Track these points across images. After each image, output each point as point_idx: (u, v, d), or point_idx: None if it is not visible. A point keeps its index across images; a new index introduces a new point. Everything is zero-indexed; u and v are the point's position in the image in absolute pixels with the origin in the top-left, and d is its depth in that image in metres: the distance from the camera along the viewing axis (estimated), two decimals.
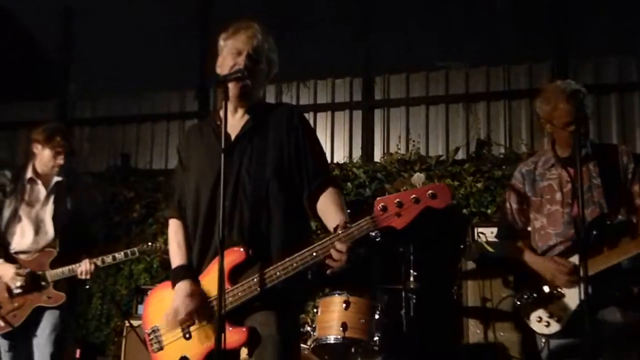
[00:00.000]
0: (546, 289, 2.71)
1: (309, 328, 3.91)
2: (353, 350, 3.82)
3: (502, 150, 5.75)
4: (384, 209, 1.95)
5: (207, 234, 2.20)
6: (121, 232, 6.12)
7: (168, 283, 2.33)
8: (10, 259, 3.37)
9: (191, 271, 2.24)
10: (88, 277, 3.39)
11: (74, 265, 3.37)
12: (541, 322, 2.69)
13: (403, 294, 4.17)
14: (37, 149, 3.48)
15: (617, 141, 5.67)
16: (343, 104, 6.48)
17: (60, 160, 3.44)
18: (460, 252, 4.67)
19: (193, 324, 2.21)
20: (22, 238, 3.42)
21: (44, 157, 3.46)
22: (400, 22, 6.36)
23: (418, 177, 2.10)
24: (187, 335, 2.23)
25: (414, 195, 1.96)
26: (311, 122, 6.49)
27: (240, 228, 2.14)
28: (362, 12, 6.47)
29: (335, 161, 6.14)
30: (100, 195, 6.19)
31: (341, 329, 3.71)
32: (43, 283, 3.36)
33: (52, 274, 3.38)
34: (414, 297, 4.15)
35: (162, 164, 6.84)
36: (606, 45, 5.86)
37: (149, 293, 2.40)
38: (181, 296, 2.17)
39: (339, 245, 1.98)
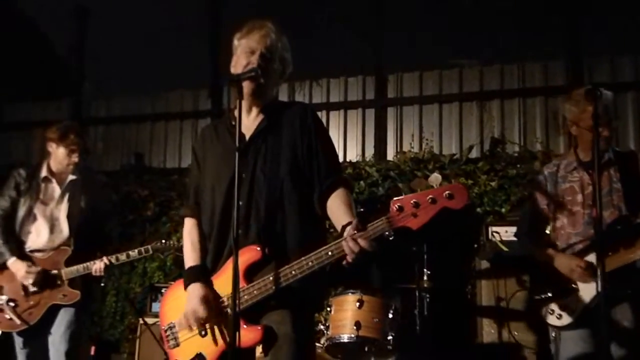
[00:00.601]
0: (562, 283, 2.81)
1: (322, 327, 3.91)
2: (366, 349, 3.81)
3: (517, 149, 5.70)
4: (400, 209, 1.95)
5: (223, 233, 2.21)
6: (135, 231, 6.16)
7: (178, 283, 2.35)
8: (24, 257, 3.40)
9: (204, 272, 2.25)
10: (102, 274, 3.41)
11: (88, 263, 3.40)
12: (553, 315, 2.82)
13: (417, 293, 4.15)
14: (52, 147, 3.50)
15: (633, 139, 5.61)
16: (356, 102, 6.47)
17: (75, 158, 3.47)
18: (474, 251, 4.64)
19: (208, 322, 2.22)
20: (37, 237, 3.45)
21: (58, 156, 3.49)
22: (413, 20, 6.34)
23: (435, 178, 2.09)
24: (203, 333, 2.24)
25: (430, 196, 1.94)
26: (324, 120, 6.47)
27: (257, 227, 2.15)
28: (374, 10, 6.44)
29: (348, 159, 6.13)
30: (115, 193, 6.23)
31: (355, 327, 3.70)
32: (58, 282, 3.39)
33: (67, 272, 3.40)
34: (428, 296, 4.13)
35: (176, 163, 6.88)
36: (622, 43, 5.80)
37: (164, 290, 2.41)
38: (194, 300, 2.18)
39: (361, 242, 1.96)
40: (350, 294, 3.85)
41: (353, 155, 6.23)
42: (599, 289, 2.42)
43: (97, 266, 3.38)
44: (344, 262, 2.04)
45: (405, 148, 6.06)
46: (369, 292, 3.84)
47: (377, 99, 6.36)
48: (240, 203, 2.08)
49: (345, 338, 3.73)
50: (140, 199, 6.36)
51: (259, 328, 2.13)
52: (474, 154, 5.80)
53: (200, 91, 6.93)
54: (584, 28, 5.84)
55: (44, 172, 3.51)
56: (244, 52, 2.24)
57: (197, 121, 6.92)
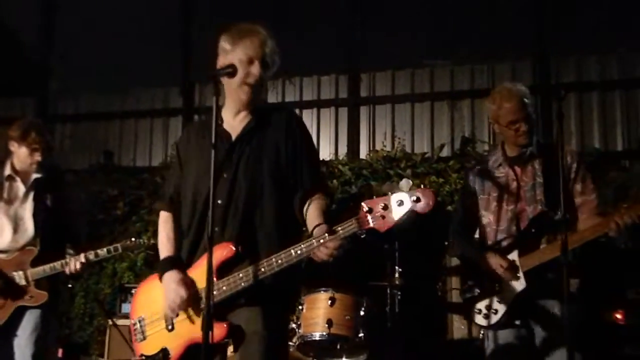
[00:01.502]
0: (487, 282, 2.81)
1: (294, 325, 3.90)
2: (338, 346, 3.82)
3: (487, 148, 5.78)
4: (370, 210, 2.01)
5: (200, 231, 2.23)
6: (105, 230, 6.06)
7: (155, 276, 2.34)
8: None
9: (179, 262, 2.27)
10: (79, 272, 3.33)
11: (55, 264, 3.32)
12: (480, 314, 2.82)
13: (388, 291, 4.19)
14: (14, 146, 3.40)
15: (598, 139, 5.75)
16: (329, 100, 6.48)
17: (37, 157, 3.38)
18: (445, 248, 4.69)
19: (177, 315, 2.24)
20: (0, 237, 3.36)
21: (20, 155, 3.39)
22: (386, 19, 6.37)
23: (406, 183, 2.16)
24: (170, 327, 2.26)
25: (398, 199, 2.00)
26: None
27: (233, 226, 2.17)
28: (348, 9, 6.47)
29: (321, 158, 6.14)
30: (83, 193, 6.12)
31: (326, 325, 3.71)
32: (24, 283, 3.31)
33: (33, 273, 3.31)
34: (399, 293, 4.17)
35: (146, 161, 6.80)
36: (588, 44, 5.92)
37: (134, 291, 2.41)
38: (172, 285, 2.19)
39: (330, 243, 2.03)
40: (322, 291, 3.86)
41: (326, 153, 6.24)
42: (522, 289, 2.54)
43: (73, 265, 3.30)
44: (315, 258, 2.08)
45: (378, 147, 6.10)
46: (341, 289, 3.85)
47: (350, 97, 6.39)
48: (220, 202, 2.13)
49: (317, 336, 3.74)
50: (109, 198, 6.27)
51: (225, 325, 2.14)
52: (445, 152, 5.88)
53: (171, 89, 6.86)
54: (551, 29, 5.96)
55: (7, 171, 3.42)
56: (239, 60, 2.21)
57: (168, 119, 6.85)
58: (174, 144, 2.55)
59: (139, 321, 2.35)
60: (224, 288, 2.14)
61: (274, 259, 2.10)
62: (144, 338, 2.33)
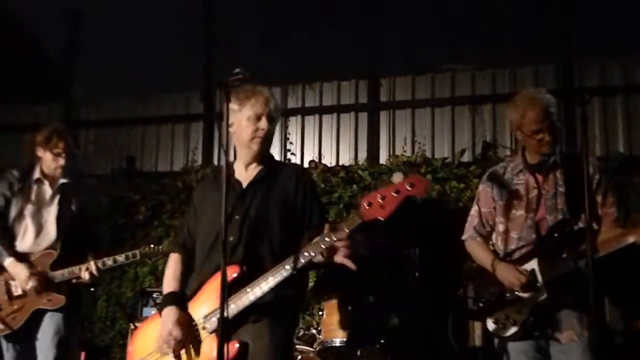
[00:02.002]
0: (504, 292, 2.76)
1: (314, 331, 3.90)
2: (359, 353, 3.81)
3: (508, 153, 5.72)
4: (370, 204, 2.16)
5: (210, 263, 2.38)
6: (126, 235, 6.11)
7: (151, 319, 2.53)
8: (20, 257, 3.35)
9: (180, 299, 2.41)
10: (89, 282, 3.37)
11: (74, 268, 3.35)
12: (497, 324, 2.75)
13: (409, 297, 4.16)
14: (40, 152, 3.49)
15: (622, 143, 5.65)
16: (349, 106, 6.47)
17: (61, 162, 3.44)
18: (467, 254, 4.65)
19: (180, 347, 2.32)
20: (22, 239, 3.40)
21: (46, 160, 3.47)
22: (406, 24, 6.36)
23: (397, 176, 2.26)
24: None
25: (394, 189, 2.16)
26: (317, 124, 6.50)
27: (242, 255, 2.33)
28: (367, 14, 6.46)
29: (340, 163, 6.13)
30: (106, 197, 6.18)
31: (346, 331, 3.70)
32: (51, 283, 3.35)
33: (55, 276, 3.35)
34: (420, 299, 4.13)
35: (168, 166, 6.85)
36: (612, 48, 5.84)
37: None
38: (168, 323, 2.32)
39: (337, 234, 2.18)
40: (342, 298, 3.85)
41: (346, 159, 6.23)
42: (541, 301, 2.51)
43: (83, 275, 3.33)
44: (338, 259, 2.21)
45: (398, 152, 6.07)
46: (361, 296, 3.84)
47: (370, 102, 6.37)
48: (231, 239, 2.32)
49: (337, 342, 3.73)
50: (131, 203, 6.32)
51: (235, 343, 2.23)
52: (466, 157, 5.82)
53: (192, 94, 6.91)
54: (574, 32, 5.89)
55: (36, 174, 3.49)
56: (248, 118, 2.44)
57: (189, 125, 6.91)
58: (193, 191, 2.86)
59: None
60: (232, 306, 2.24)
61: (282, 265, 2.23)
62: None
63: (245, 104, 2.45)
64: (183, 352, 2.33)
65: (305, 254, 2.21)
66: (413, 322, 4.10)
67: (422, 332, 4.09)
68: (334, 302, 3.87)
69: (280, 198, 2.44)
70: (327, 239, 2.18)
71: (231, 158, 2.57)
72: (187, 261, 2.52)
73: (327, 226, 2.22)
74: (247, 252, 2.33)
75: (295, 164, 2.98)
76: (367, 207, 2.15)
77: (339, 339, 3.72)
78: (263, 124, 2.44)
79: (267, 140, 2.49)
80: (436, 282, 4.36)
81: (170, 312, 2.34)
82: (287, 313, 2.40)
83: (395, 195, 2.15)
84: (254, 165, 2.53)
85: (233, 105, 2.45)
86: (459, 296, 4.74)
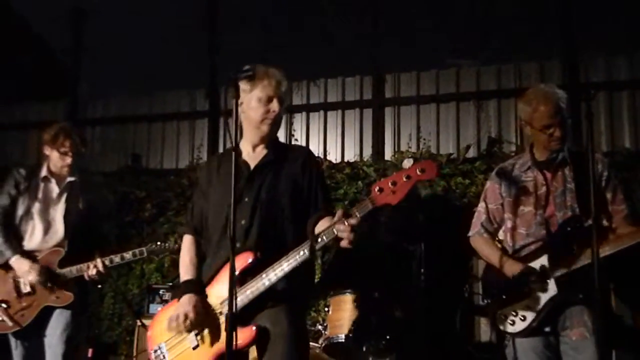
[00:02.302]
0: (512, 288, 2.75)
1: (320, 327, 3.91)
2: (364, 349, 3.81)
3: (513, 148, 5.70)
4: (381, 190, 2.18)
5: (222, 248, 2.38)
6: (133, 232, 6.15)
7: (169, 305, 2.50)
8: (26, 255, 3.39)
9: (198, 286, 2.42)
10: (95, 279, 3.39)
11: (82, 265, 3.38)
12: (507, 320, 2.75)
13: (414, 293, 4.16)
14: (47, 150, 3.52)
15: (629, 138, 5.63)
16: (353, 102, 6.46)
17: (68, 160, 3.47)
18: (472, 250, 4.65)
19: (199, 332, 2.34)
20: (31, 237, 3.44)
21: (53, 158, 3.50)
22: (410, 19, 6.34)
23: (408, 162, 2.28)
24: (195, 345, 2.35)
25: (405, 174, 2.18)
26: (322, 120, 6.50)
27: (255, 241, 2.34)
28: (372, 10, 6.45)
29: (346, 160, 6.13)
30: (112, 195, 6.21)
31: (352, 327, 3.70)
32: (57, 278, 3.37)
33: (62, 273, 3.38)
34: (426, 295, 4.14)
35: (173, 164, 6.87)
36: (618, 42, 5.81)
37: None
38: (186, 305, 2.34)
39: (351, 220, 2.18)
40: (348, 293, 3.86)
41: (351, 155, 6.23)
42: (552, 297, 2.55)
43: (91, 272, 3.36)
44: (342, 244, 2.22)
45: (403, 148, 6.06)
46: (367, 292, 3.84)
47: (374, 98, 6.36)
48: (243, 222, 2.35)
49: (342, 338, 3.74)
50: (137, 200, 6.35)
51: (253, 328, 2.25)
52: (471, 153, 5.81)
53: (197, 92, 6.92)
54: (580, 27, 5.85)
55: (44, 172, 3.53)
56: (259, 99, 2.43)
57: (195, 122, 6.91)
58: (198, 167, 2.78)
59: (159, 348, 2.45)
60: (248, 292, 2.26)
61: (295, 252, 2.24)
62: None
63: (257, 84, 2.43)
64: (201, 338, 2.34)
65: (319, 239, 2.22)
66: (418, 318, 4.11)
67: (428, 327, 4.10)
68: (339, 298, 3.87)
69: (289, 181, 2.45)
70: (341, 225, 2.18)
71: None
72: (200, 243, 2.54)
73: (340, 212, 2.22)
74: (260, 236, 2.35)
75: (301, 147, 3.02)
76: (378, 193, 2.17)
77: (344, 334, 3.73)
78: (274, 106, 2.44)
79: (277, 123, 2.49)
80: (441, 278, 4.37)
81: (189, 299, 2.36)
82: (302, 298, 2.42)
83: (406, 180, 2.16)
84: (261, 147, 2.53)
85: (244, 86, 2.42)
86: (465, 292, 4.76)
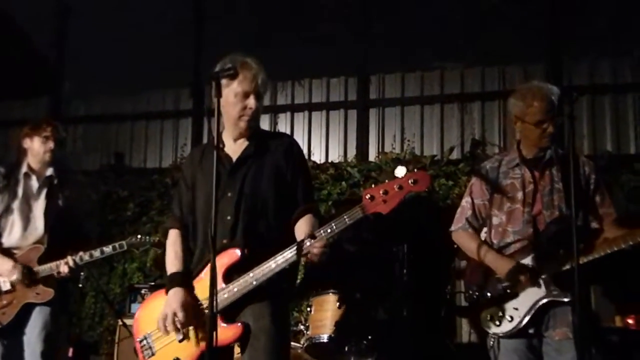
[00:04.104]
0: (499, 287, 2.73)
1: (302, 327, 3.90)
2: (346, 349, 3.81)
3: (497, 150, 5.74)
4: (372, 198, 2.17)
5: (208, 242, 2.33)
6: (115, 231, 6.09)
7: (157, 293, 2.49)
8: (5, 253, 3.36)
9: (185, 278, 2.41)
10: (68, 276, 3.35)
11: (57, 262, 3.35)
12: (492, 321, 2.72)
13: (396, 294, 4.17)
14: (27, 143, 3.49)
15: (610, 142, 5.70)
16: (338, 103, 6.47)
17: (50, 144, 3.44)
18: (454, 251, 4.67)
19: (186, 327, 2.33)
20: (9, 233, 3.41)
21: (34, 148, 3.47)
22: (395, 21, 6.36)
23: (400, 170, 2.27)
24: (180, 338, 2.35)
25: (397, 184, 2.16)
26: (306, 121, 6.50)
27: (241, 237, 2.34)
28: (357, 11, 6.46)
29: (330, 160, 6.13)
30: (94, 193, 6.16)
31: (335, 327, 3.70)
32: (36, 277, 3.34)
33: (40, 270, 3.35)
34: (408, 296, 4.15)
35: (157, 163, 6.83)
36: (600, 47, 5.87)
37: (144, 291, 2.45)
38: (174, 304, 2.33)
39: (317, 243, 2.20)
40: (330, 294, 3.86)
41: (335, 155, 6.23)
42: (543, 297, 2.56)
43: (62, 269, 3.32)
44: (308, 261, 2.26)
45: (387, 149, 6.08)
46: (349, 292, 3.84)
47: (359, 99, 6.37)
48: (229, 218, 2.35)
49: (325, 338, 3.73)
50: (119, 199, 6.31)
51: (239, 325, 2.27)
52: (455, 155, 5.84)
53: (181, 91, 6.88)
54: (563, 31, 5.91)
55: (24, 169, 3.50)
56: (236, 94, 2.40)
57: (178, 121, 6.88)
58: (182, 162, 2.74)
59: (146, 338, 2.43)
60: (235, 290, 2.27)
61: (284, 254, 2.25)
62: (153, 354, 2.41)
63: (234, 79, 2.40)
64: (187, 331, 2.34)
65: (291, 253, 2.25)
66: (400, 318, 4.12)
67: (410, 328, 4.11)
68: (322, 298, 3.87)
69: (272, 173, 2.43)
70: (307, 244, 2.20)
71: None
72: (186, 236, 2.51)
73: (307, 232, 2.24)
74: (246, 232, 2.34)
75: (283, 134, 2.91)
76: (369, 201, 2.16)
77: (326, 334, 3.72)
78: (251, 102, 2.41)
79: (255, 118, 2.46)
80: (424, 278, 4.38)
81: (177, 294, 2.34)
82: (285, 294, 2.42)
83: (398, 190, 2.15)
84: (242, 139, 2.51)
85: (223, 80, 2.39)
86: (447, 293, 4.78)
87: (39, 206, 3.46)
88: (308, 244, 2.20)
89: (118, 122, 7.09)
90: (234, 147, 2.49)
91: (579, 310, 2.40)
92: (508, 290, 2.70)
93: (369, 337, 3.75)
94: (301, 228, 2.36)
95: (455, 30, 6.20)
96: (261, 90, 2.43)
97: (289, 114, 6.54)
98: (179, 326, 2.32)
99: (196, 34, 6.74)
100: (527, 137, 2.83)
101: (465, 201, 2.98)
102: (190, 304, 2.33)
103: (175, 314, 2.30)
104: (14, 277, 3.29)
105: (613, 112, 5.77)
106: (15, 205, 3.43)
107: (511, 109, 2.88)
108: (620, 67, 5.87)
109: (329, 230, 2.22)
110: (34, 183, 3.49)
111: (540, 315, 2.67)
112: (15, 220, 3.42)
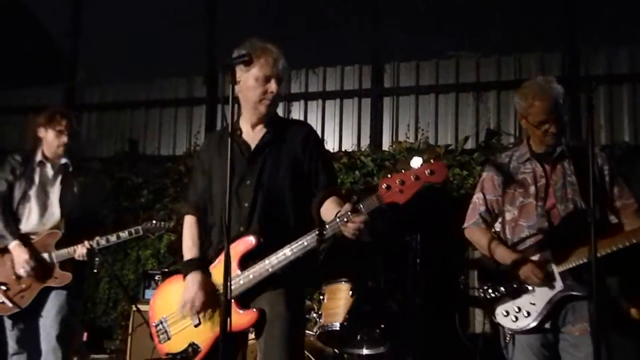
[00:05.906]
0: (515, 283, 2.70)
1: (315, 315, 3.92)
2: (359, 337, 3.82)
3: (512, 140, 5.70)
4: (388, 187, 2.15)
5: (231, 227, 2.32)
6: (129, 218, 6.12)
7: (172, 278, 2.51)
8: (24, 240, 3.40)
9: (202, 263, 2.42)
10: (85, 259, 3.40)
11: (78, 246, 3.40)
12: (508, 317, 2.69)
13: (409, 283, 4.16)
14: (42, 132, 3.53)
15: (628, 131, 5.62)
16: (352, 91, 6.44)
17: (64, 139, 3.48)
18: (468, 241, 4.65)
19: (204, 311, 2.36)
20: (27, 220, 3.47)
21: (48, 139, 3.51)
22: (410, 9, 6.30)
23: (416, 161, 2.26)
24: (197, 322, 2.37)
25: (414, 174, 2.15)
26: (320, 109, 6.48)
27: (258, 224, 2.34)
28: None
29: (343, 149, 6.12)
30: (108, 180, 6.20)
31: (347, 316, 3.71)
32: (49, 265, 3.39)
33: (58, 255, 3.41)
34: (420, 286, 4.14)
35: (170, 150, 6.86)
36: (619, 35, 5.77)
37: (157, 277, 2.47)
38: (192, 288, 2.35)
39: (356, 217, 2.16)
40: (343, 282, 3.86)
41: (348, 144, 6.22)
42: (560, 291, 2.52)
43: (80, 251, 3.38)
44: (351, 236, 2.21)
45: (401, 138, 6.05)
46: (362, 281, 3.85)
47: (373, 88, 6.34)
48: (246, 205, 2.35)
49: (337, 326, 3.74)
50: (133, 186, 6.35)
51: (254, 311, 2.28)
52: (470, 144, 5.80)
53: (195, 78, 6.89)
54: (581, 20, 5.82)
55: (39, 157, 3.55)
56: (256, 79, 2.37)
57: (192, 108, 6.89)
58: (196, 152, 2.71)
59: (161, 322, 2.46)
60: (251, 276, 2.28)
61: (300, 241, 2.25)
62: (169, 338, 2.43)
63: (254, 63, 2.35)
64: (204, 316, 2.36)
65: (324, 232, 2.22)
66: (413, 308, 4.11)
67: (422, 317, 4.10)
68: (334, 287, 3.87)
69: (290, 162, 2.42)
70: (346, 219, 2.16)
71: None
72: (202, 222, 2.51)
73: (348, 205, 2.19)
74: (263, 219, 2.34)
75: (301, 122, 2.91)
76: (385, 190, 2.14)
77: (338, 322, 3.73)
78: (272, 86, 2.39)
79: (275, 103, 2.44)
80: (437, 269, 4.37)
81: (195, 278, 2.36)
82: (301, 281, 2.42)
83: (414, 180, 2.13)
84: (260, 126, 2.49)
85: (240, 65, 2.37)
86: (460, 283, 4.76)
87: (55, 192, 3.51)
88: (344, 218, 2.16)
89: (132, 110, 7.12)
90: (251, 134, 2.48)
91: (596, 304, 2.36)
92: (522, 286, 2.68)
93: (382, 326, 3.75)
94: (331, 206, 2.33)
95: (471, 18, 6.13)
96: (282, 75, 2.41)
97: (302, 102, 6.52)
98: (196, 310, 2.34)
99: (210, 22, 6.72)
100: (533, 134, 2.81)
101: (477, 197, 2.95)
102: (208, 289, 2.35)
103: (193, 299, 2.32)
104: (29, 267, 3.34)
105: (631, 102, 5.69)
106: (32, 192, 3.48)
107: (516, 106, 2.86)
108: (637, 56, 5.78)
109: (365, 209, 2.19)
110: (49, 170, 3.54)
111: (557, 310, 2.63)
112: (32, 206, 3.47)
